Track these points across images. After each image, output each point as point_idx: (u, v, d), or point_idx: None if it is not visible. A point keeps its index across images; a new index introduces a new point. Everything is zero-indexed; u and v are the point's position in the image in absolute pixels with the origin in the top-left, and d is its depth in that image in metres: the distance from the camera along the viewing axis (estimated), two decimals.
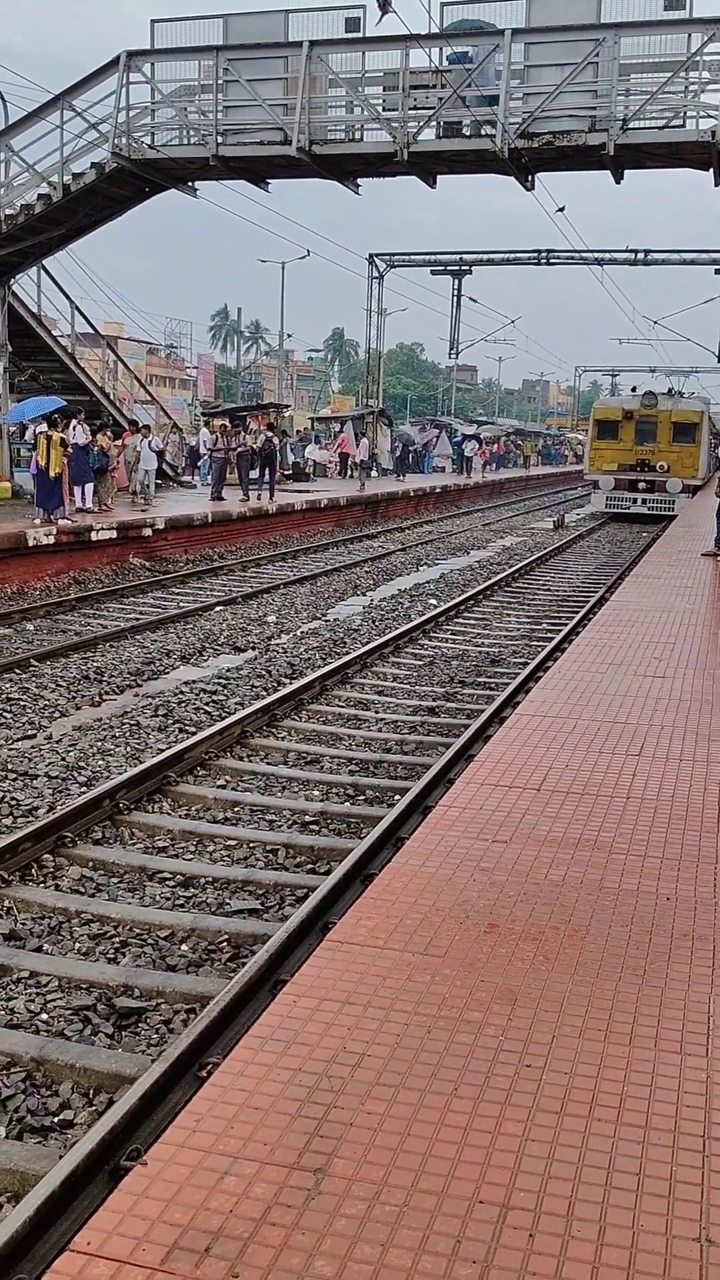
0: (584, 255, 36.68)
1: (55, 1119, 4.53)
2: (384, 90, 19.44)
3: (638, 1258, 2.11)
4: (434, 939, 3.40)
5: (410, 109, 18.73)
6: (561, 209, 24.44)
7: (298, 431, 42.86)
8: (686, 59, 17.93)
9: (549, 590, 19.00)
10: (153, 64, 19.61)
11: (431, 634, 14.64)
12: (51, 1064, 4.82)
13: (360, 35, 18.82)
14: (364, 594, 18.00)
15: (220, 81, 19.13)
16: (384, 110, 19.13)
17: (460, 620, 15.79)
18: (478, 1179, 2.32)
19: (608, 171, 19.21)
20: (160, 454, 24.01)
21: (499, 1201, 2.25)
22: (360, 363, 57.66)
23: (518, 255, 37.45)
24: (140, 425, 23.97)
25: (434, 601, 17.03)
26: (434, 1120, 2.52)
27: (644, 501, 31.14)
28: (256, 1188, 2.26)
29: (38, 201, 19.87)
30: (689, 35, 18.03)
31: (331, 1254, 2.09)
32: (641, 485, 31.18)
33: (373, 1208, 2.22)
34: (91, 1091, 4.70)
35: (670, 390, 34.03)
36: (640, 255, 36.46)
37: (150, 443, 23.16)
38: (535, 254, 36.37)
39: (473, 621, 15.76)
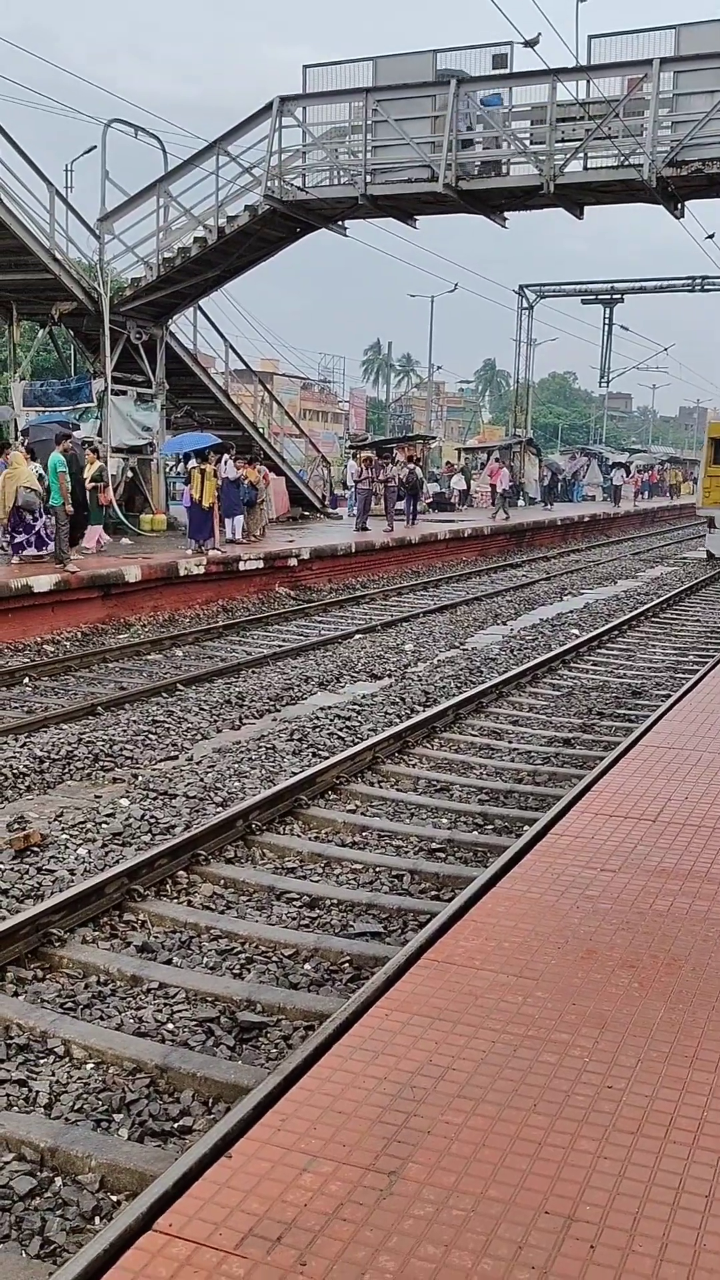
0: None
1: (175, 1125, 4.70)
2: (531, 124, 19.59)
3: (696, 1275, 2.15)
4: (530, 962, 3.47)
5: (557, 141, 18.83)
6: (711, 236, 24.14)
7: (447, 463, 43.08)
8: None
9: (698, 621, 18.60)
10: (304, 108, 20.23)
11: (571, 664, 14.52)
12: (174, 1072, 5.00)
13: (507, 71, 19.04)
14: (504, 623, 17.97)
15: (369, 122, 19.58)
16: (530, 144, 19.28)
17: (603, 651, 15.61)
18: (546, 1191, 2.39)
19: None
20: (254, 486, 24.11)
21: (565, 1213, 2.32)
22: (510, 393, 57.75)
23: (671, 283, 36.98)
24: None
25: (576, 631, 16.88)
26: (510, 1134, 2.59)
27: None
28: (332, 1185, 2.38)
29: (194, 244, 20.68)
30: None
31: (396, 1250, 2.19)
32: None
33: (441, 1211, 2.31)
34: (210, 1100, 4.87)
35: None
36: None
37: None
38: (689, 280, 35.83)
39: (616, 652, 15.55)
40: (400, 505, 27.11)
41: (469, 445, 49.90)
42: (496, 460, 39.33)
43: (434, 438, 50.25)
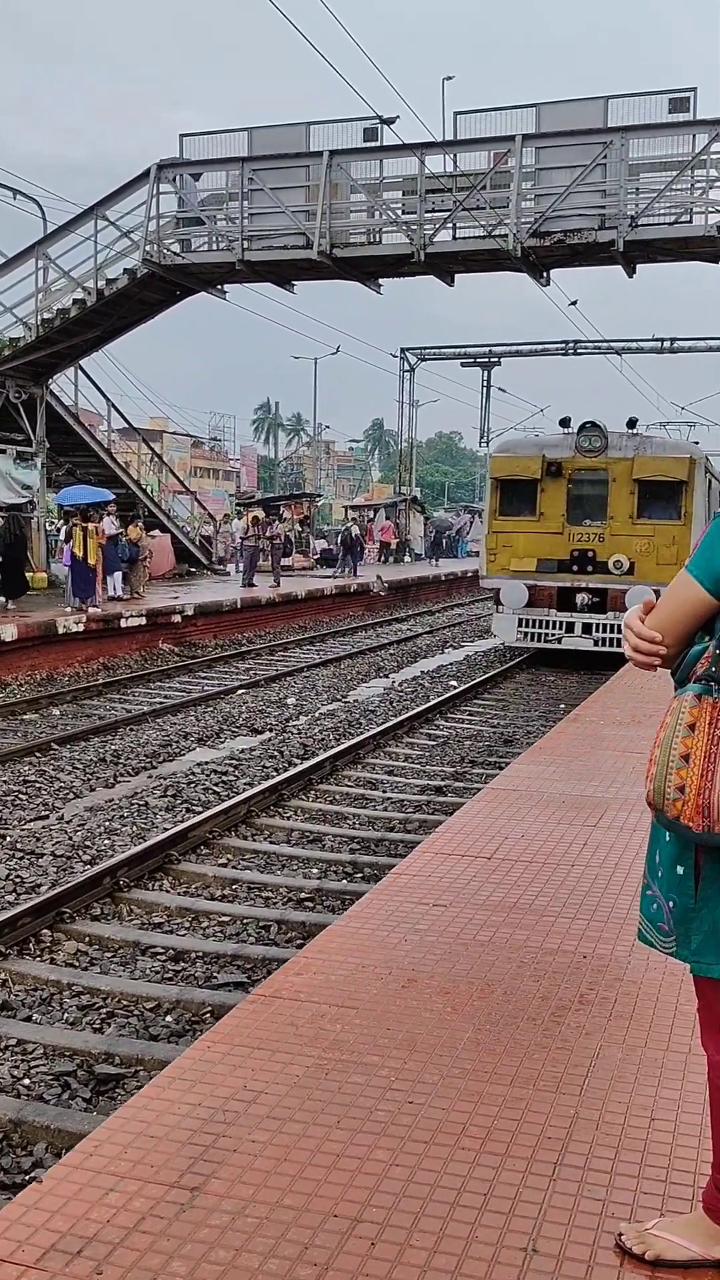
0: (611, 344, 37.40)
1: (27, 1176, 4.74)
2: (402, 195, 20.32)
3: (465, 1263, 2.35)
4: (353, 992, 3.66)
5: (427, 212, 19.56)
6: (574, 303, 25.15)
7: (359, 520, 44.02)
8: (692, 158, 18.60)
9: (571, 670, 19.16)
10: (182, 175, 20.65)
11: (448, 714, 14.88)
12: (29, 1125, 5.05)
13: (378, 144, 19.74)
14: (387, 676, 18.31)
15: (246, 190, 20.08)
16: (402, 214, 19.98)
17: (479, 701, 16.02)
18: (338, 1197, 2.57)
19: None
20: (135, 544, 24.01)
21: (352, 1216, 2.50)
22: (397, 452, 58.93)
23: (545, 346, 38.29)
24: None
25: (454, 683, 17.28)
26: (311, 1148, 2.77)
27: (587, 628, 17.67)
28: (135, 1202, 2.53)
29: (73, 306, 20.86)
30: (694, 135, 18.73)
31: (189, 1257, 2.35)
32: (582, 599, 17.62)
33: (236, 1220, 2.47)
34: (64, 1150, 4.91)
35: (631, 423, 18.61)
36: (666, 343, 37.06)
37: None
38: (562, 345, 37.16)
39: (491, 702, 15.98)
40: (281, 561, 27.56)
41: (355, 503, 50.67)
42: (372, 518, 40.20)
43: (320, 496, 50.89)
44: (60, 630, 17.04)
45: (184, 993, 6.38)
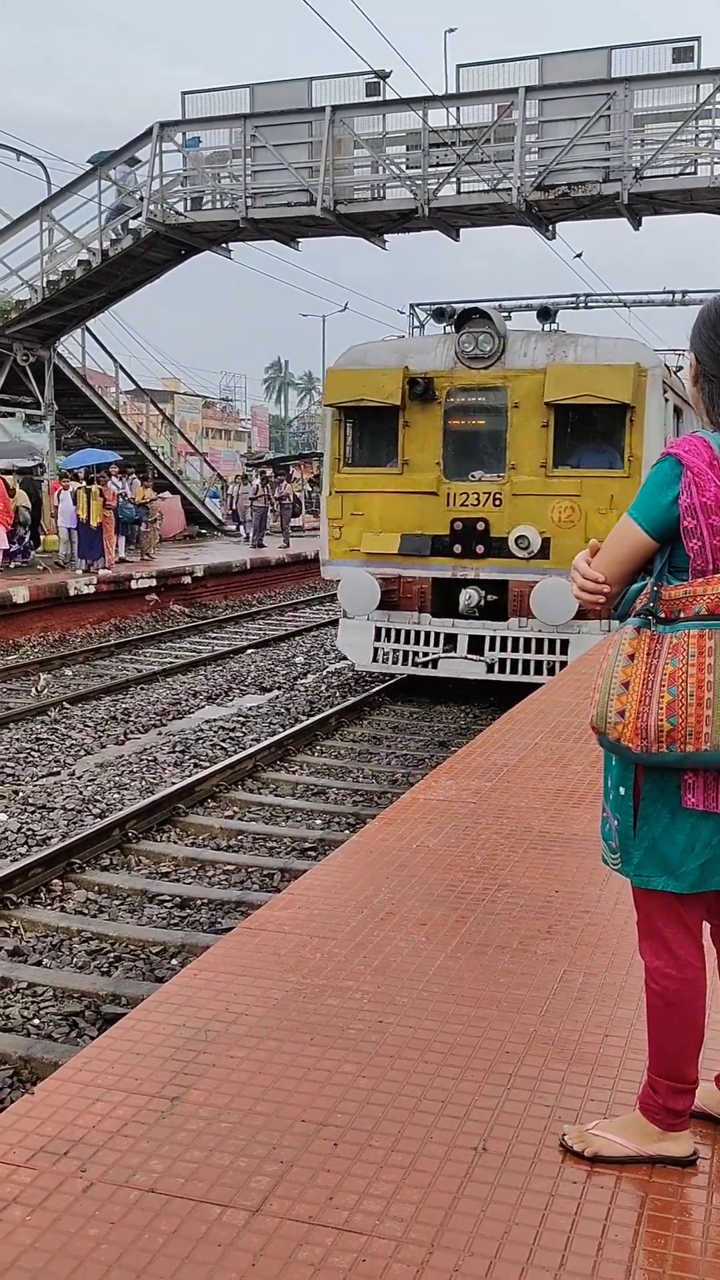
0: (621, 297, 37.06)
1: None
2: (406, 149, 20.20)
3: (419, 1160, 2.57)
4: (335, 925, 3.87)
5: (430, 166, 19.46)
6: (579, 255, 24.98)
7: None
8: (696, 108, 18.41)
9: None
10: (184, 133, 20.58)
11: None
12: (37, 1062, 5.30)
13: (380, 99, 19.60)
14: None
15: (248, 147, 20.02)
16: (405, 169, 19.88)
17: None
18: (306, 1105, 2.79)
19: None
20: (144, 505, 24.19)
21: (318, 1121, 2.72)
22: None
23: (556, 300, 37.91)
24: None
25: None
26: (285, 1062, 2.99)
27: (477, 645, 12.05)
28: (120, 1110, 2.75)
29: (78, 267, 20.90)
30: (698, 86, 18.51)
31: (166, 1156, 2.57)
32: (468, 597, 11.92)
33: (210, 1125, 2.69)
34: None
35: (544, 313, 14.79)
36: (678, 295, 36.65)
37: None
38: (572, 298, 36.81)
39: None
40: (291, 521, 27.63)
41: None
42: None
43: None
44: (71, 592, 17.26)
45: (189, 937, 6.62)
